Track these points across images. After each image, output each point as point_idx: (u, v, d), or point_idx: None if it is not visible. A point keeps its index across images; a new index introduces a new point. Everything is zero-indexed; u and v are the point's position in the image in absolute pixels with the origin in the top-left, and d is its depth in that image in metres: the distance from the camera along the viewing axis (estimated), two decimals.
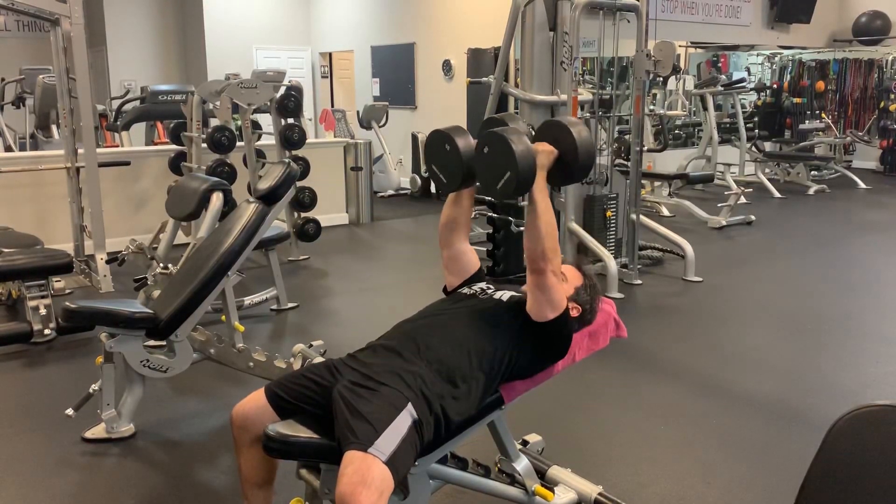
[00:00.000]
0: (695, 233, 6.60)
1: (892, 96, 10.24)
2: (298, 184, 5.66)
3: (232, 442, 1.97)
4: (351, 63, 11.00)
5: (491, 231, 5.18)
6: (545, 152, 1.99)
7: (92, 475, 2.69)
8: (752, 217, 7.22)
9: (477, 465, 2.19)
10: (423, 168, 8.87)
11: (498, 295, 2.12)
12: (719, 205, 7.29)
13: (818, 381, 3.54)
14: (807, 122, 10.68)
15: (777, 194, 8.71)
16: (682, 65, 9.46)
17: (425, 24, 9.55)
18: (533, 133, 2.15)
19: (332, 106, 11.23)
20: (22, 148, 7.59)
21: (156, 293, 3.35)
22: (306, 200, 5.88)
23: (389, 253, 6.58)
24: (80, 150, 5.15)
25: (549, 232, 1.94)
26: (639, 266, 5.30)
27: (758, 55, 11.24)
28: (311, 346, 3.19)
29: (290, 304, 4.63)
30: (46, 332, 3.91)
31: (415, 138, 8.93)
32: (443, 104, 9.25)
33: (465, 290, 2.20)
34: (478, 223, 5.79)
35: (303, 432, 1.79)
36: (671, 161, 8.86)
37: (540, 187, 1.95)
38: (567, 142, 2.00)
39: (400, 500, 1.83)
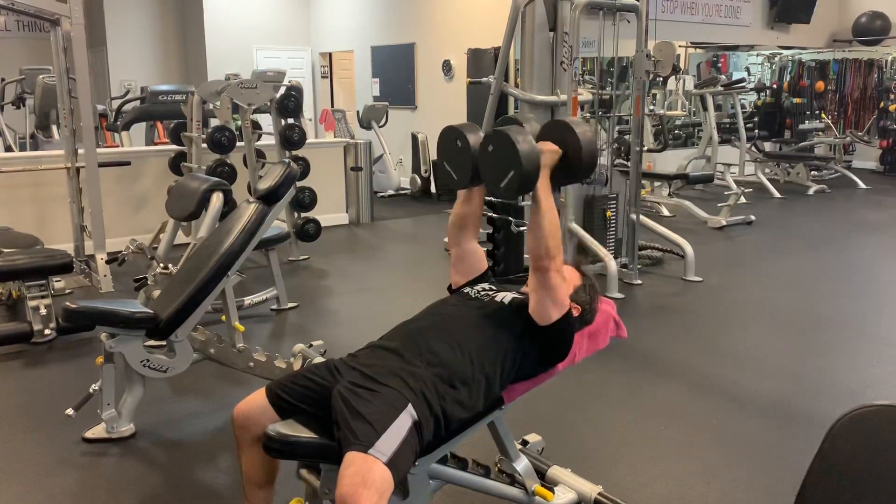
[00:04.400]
0: (695, 233, 6.60)
1: (892, 96, 10.24)
2: (298, 184, 5.65)
3: (233, 442, 1.98)
4: (351, 63, 11.00)
5: (491, 231, 5.18)
6: (549, 152, 1.99)
7: (92, 475, 2.69)
8: (752, 217, 7.22)
9: (477, 465, 2.18)
10: (423, 168, 8.87)
11: (500, 297, 2.11)
12: (719, 205, 7.29)
13: (818, 381, 3.54)
14: (807, 122, 10.68)
15: (777, 194, 8.71)
16: (681, 65, 9.46)
17: (425, 24, 9.55)
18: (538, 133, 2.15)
19: (332, 106, 11.23)
20: (22, 148, 7.59)
21: (156, 293, 3.35)
22: (306, 200, 5.87)
23: (389, 253, 6.58)
24: (80, 150, 5.15)
25: (553, 231, 1.93)
26: (639, 266, 5.30)
27: (758, 55, 11.24)
28: (311, 346, 3.20)
29: (290, 304, 4.63)
30: (47, 332, 3.91)
31: (415, 138, 8.93)
32: (443, 104, 9.25)
33: (468, 291, 2.20)
34: None
35: (303, 432, 1.80)
36: (671, 161, 8.85)
37: (543, 186, 1.96)
38: (571, 141, 2.00)
39: (400, 501, 1.83)
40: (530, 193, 1.97)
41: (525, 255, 5.22)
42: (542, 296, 1.96)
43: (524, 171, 1.88)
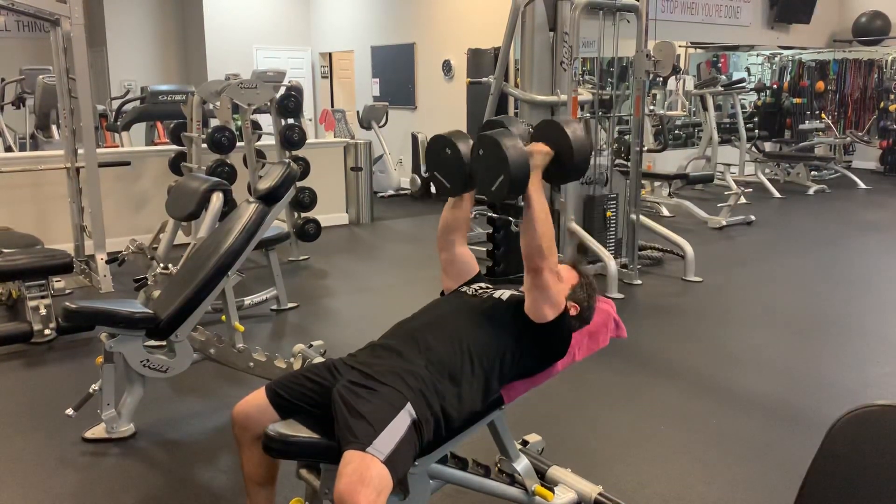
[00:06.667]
0: (695, 233, 6.60)
1: (892, 96, 10.24)
2: (298, 184, 5.66)
3: (233, 442, 1.98)
4: (351, 63, 11.00)
5: (491, 231, 5.18)
6: (540, 153, 2.01)
7: (92, 475, 2.69)
8: (752, 217, 7.22)
9: (477, 465, 2.19)
10: (423, 168, 8.87)
11: (498, 294, 2.12)
12: (719, 205, 7.29)
13: (818, 381, 3.54)
14: (807, 122, 10.68)
15: (777, 194, 8.72)
16: (682, 65, 9.46)
17: (425, 24, 9.55)
18: (531, 133, 2.16)
19: (332, 106, 11.23)
20: (22, 148, 7.58)
21: (156, 293, 3.34)
22: (306, 200, 5.87)
23: (389, 253, 6.58)
24: (80, 150, 5.15)
25: (545, 231, 1.94)
26: (639, 266, 5.30)
27: (758, 55, 11.24)
28: (311, 346, 3.20)
29: (290, 304, 4.63)
30: (46, 332, 3.91)
31: (415, 138, 8.93)
32: (443, 104, 9.25)
33: (465, 289, 2.20)
34: (478, 223, 5.79)
35: (303, 432, 1.80)
36: (671, 161, 8.86)
37: (535, 187, 1.97)
38: (562, 141, 2.02)
39: (400, 500, 1.83)
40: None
41: None
42: (537, 296, 1.97)
43: (513, 175, 1.90)
